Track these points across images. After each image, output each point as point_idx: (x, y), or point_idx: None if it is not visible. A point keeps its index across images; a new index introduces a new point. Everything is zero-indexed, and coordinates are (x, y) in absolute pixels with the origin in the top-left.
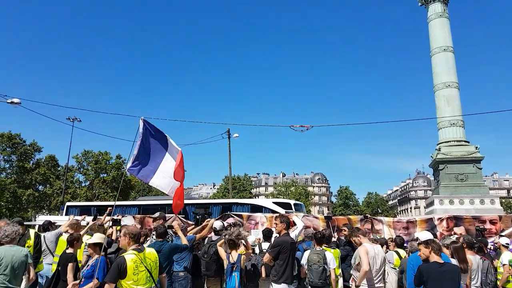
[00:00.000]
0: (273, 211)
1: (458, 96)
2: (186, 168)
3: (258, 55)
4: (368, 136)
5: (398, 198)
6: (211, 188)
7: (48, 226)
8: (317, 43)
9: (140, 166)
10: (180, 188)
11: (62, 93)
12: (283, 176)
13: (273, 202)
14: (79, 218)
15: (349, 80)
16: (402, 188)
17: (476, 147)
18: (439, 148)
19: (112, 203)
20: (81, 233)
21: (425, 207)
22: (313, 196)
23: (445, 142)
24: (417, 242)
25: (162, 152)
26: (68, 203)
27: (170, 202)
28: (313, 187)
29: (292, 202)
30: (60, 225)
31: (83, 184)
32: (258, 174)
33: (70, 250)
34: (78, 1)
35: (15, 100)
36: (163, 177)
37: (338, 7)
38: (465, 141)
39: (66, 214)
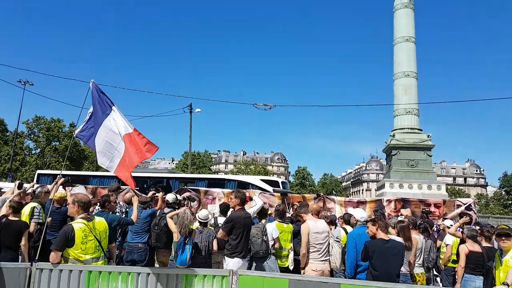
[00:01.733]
0: (261, 188)
1: (415, 85)
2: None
3: (227, 32)
4: (328, 120)
5: (352, 180)
6: (169, 163)
7: None
8: (285, 27)
9: (89, 133)
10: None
11: (14, 54)
12: (243, 154)
13: (261, 180)
14: (27, 185)
15: (313, 63)
16: (356, 171)
17: (428, 136)
18: (393, 135)
19: (91, 173)
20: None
21: (376, 190)
22: (272, 175)
23: (399, 129)
24: (364, 220)
25: (103, 118)
26: (39, 171)
27: (152, 175)
28: (272, 166)
29: (280, 180)
30: (6, 192)
31: (33, 152)
32: (218, 151)
33: (14, 218)
34: None
35: None
36: (103, 147)
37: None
38: (418, 129)
39: (37, 183)
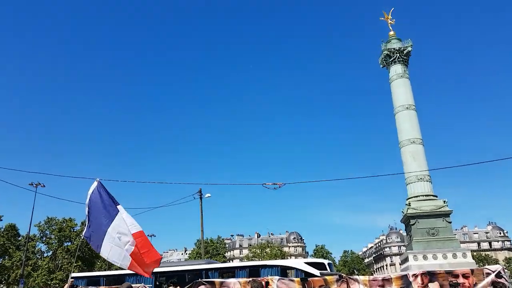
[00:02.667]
0: (307, 272)
1: (423, 151)
2: (156, 233)
3: (228, 112)
4: (341, 192)
5: (374, 255)
6: (182, 254)
7: None
8: (287, 103)
9: (91, 233)
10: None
11: (24, 157)
12: (258, 237)
13: (305, 263)
14: None
15: (319, 139)
16: (377, 245)
17: (444, 201)
18: (409, 203)
19: (121, 272)
20: None
21: (400, 264)
22: (289, 257)
23: (414, 197)
24: None
25: (109, 219)
26: (73, 274)
27: (189, 268)
28: (289, 247)
29: (326, 262)
30: None
31: (45, 255)
32: (232, 236)
33: None
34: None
35: None
36: (113, 247)
37: (304, 69)
38: (433, 195)
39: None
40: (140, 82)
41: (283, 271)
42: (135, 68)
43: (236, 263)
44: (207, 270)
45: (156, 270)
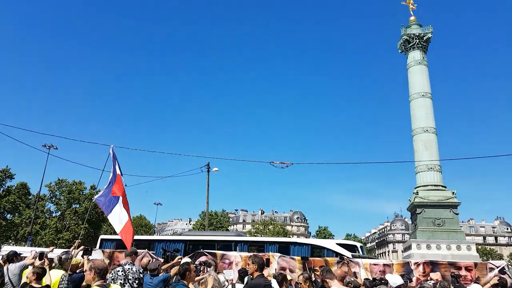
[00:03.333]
0: (337, 254)
1: (435, 141)
2: (162, 201)
3: (243, 90)
4: (349, 176)
5: (376, 241)
6: (186, 224)
7: (13, 257)
8: (300, 84)
9: (104, 197)
10: (128, 222)
11: (38, 119)
12: (261, 214)
13: (337, 244)
14: (46, 250)
15: (331, 120)
16: (381, 231)
17: (453, 192)
18: (417, 192)
19: (151, 237)
20: (45, 266)
21: (402, 251)
22: (291, 236)
23: (422, 186)
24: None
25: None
26: (102, 236)
27: (220, 238)
28: (292, 226)
29: (358, 244)
30: (26, 257)
31: (53, 215)
32: (236, 210)
33: (36, 285)
34: (55, 34)
35: None
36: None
37: (320, 51)
38: (442, 186)
39: (100, 248)
40: (157, 54)
41: (313, 250)
42: (154, 42)
43: (266, 237)
44: (236, 242)
45: (186, 237)
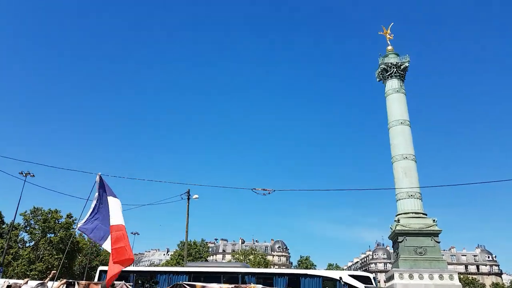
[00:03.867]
0: (351, 286)
1: (415, 168)
2: (140, 231)
3: (224, 114)
4: (330, 204)
5: (359, 270)
6: (164, 255)
7: None
8: (281, 111)
9: (93, 226)
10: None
11: (16, 145)
12: (242, 243)
13: (350, 275)
14: (20, 281)
15: (312, 147)
16: (363, 260)
17: (434, 220)
18: (398, 220)
19: (153, 268)
20: None
21: (385, 281)
22: (272, 266)
23: (403, 213)
24: None
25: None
26: (101, 267)
27: (226, 270)
28: (273, 256)
29: (371, 276)
30: None
31: (27, 244)
32: (216, 240)
33: None
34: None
35: None
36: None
37: (299, 75)
38: (423, 213)
39: (99, 279)
40: (136, 79)
41: (324, 282)
42: (129, 69)
43: (275, 269)
44: (243, 274)
45: (191, 269)
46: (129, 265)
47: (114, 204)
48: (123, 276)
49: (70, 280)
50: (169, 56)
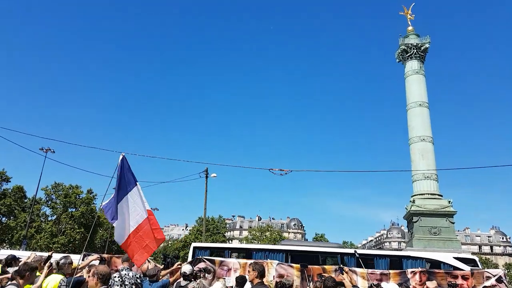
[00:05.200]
0: (456, 268)
1: (432, 150)
2: (159, 207)
3: (243, 96)
4: (346, 183)
5: (373, 248)
6: (183, 230)
7: (11, 262)
8: (299, 92)
9: (110, 205)
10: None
11: (37, 123)
12: (258, 220)
13: (455, 258)
14: (44, 254)
15: (330, 128)
16: (377, 239)
17: (449, 201)
18: (414, 200)
19: (248, 246)
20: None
21: None
22: None
23: (419, 194)
24: None
25: (125, 193)
26: (194, 244)
27: (326, 249)
28: (289, 232)
29: (477, 258)
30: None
31: (49, 218)
32: (233, 216)
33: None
34: (56, 32)
35: None
36: (120, 222)
37: (318, 60)
38: (438, 195)
39: (193, 256)
40: (157, 59)
41: (431, 265)
42: (152, 42)
43: (375, 251)
44: (342, 254)
45: (287, 247)
46: (159, 245)
47: (137, 192)
48: (219, 252)
49: (108, 255)
50: (188, 36)
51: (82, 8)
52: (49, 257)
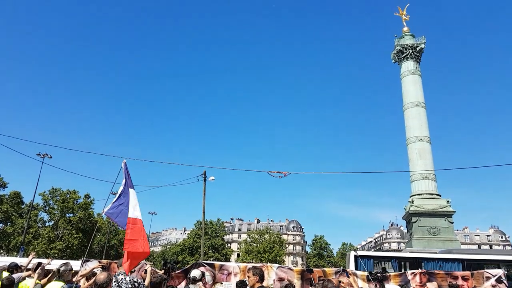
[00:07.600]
0: None
1: (430, 150)
2: (157, 211)
3: (240, 98)
4: (344, 184)
5: (372, 249)
6: (181, 233)
7: (13, 269)
8: (295, 93)
9: (118, 211)
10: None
11: (34, 128)
12: (257, 223)
13: None
14: (44, 261)
15: (327, 131)
16: (376, 240)
17: (448, 201)
18: (412, 201)
19: (418, 255)
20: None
21: None
22: (287, 245)
23: (417, 194)
24: None
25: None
26: (354, 253)
27: (505, 258)
28: (288, 235)
29: None
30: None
31: (46, 224)
32: (232, 219)
33: None
34: (47, 37)
35: None
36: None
37: (314, 63)
38: (437, 195)
39: (356, 267)
40: (154, 60)
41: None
42: (150, 47)
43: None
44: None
45: (465, 257)
46: (143, 259)
47: (133, 197)
48: (385, 262)
49: (107, 261)
50: (188, 38)
51: (81, 8)
52: (40, 263)
